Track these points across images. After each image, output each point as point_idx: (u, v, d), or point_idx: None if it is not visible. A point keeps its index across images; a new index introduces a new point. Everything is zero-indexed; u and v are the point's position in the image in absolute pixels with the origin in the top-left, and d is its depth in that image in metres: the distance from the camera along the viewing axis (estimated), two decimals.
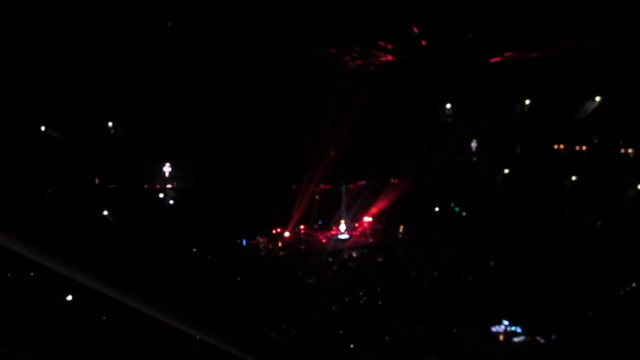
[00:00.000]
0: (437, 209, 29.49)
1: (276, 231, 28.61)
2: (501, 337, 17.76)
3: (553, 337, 16.83)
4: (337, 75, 25.85)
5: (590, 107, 26.54)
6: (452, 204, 29.32)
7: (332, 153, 27.90)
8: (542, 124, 27.41)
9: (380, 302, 19.88)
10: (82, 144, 24.20)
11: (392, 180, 29.74)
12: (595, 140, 28.07)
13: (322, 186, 30.18)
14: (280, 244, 27.59)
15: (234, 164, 26.42)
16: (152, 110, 24.67)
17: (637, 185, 25.54)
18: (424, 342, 16.98)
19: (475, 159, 29.94)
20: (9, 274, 15.97)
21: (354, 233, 29.82)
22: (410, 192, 27.70)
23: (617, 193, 25.38)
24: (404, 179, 28.61)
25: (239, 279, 21.46)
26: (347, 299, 20.12)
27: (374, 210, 30.13)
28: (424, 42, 23.83)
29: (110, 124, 26.10)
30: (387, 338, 17.17)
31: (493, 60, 25.68)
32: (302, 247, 27.88)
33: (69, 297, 15.24)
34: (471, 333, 17.56)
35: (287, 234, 28.60)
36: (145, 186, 27.79)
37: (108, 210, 23.91)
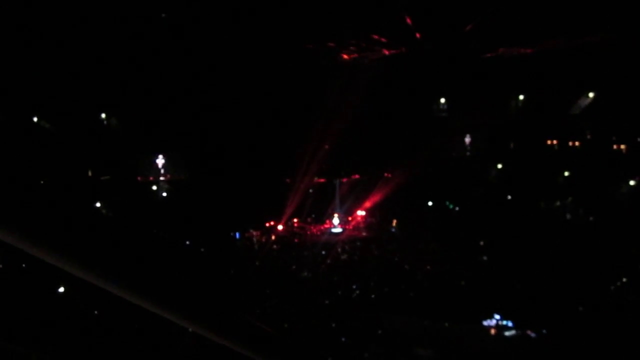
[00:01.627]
0: (430, 203, 29.58)
1: (269, 224, 28.62)
2: (492, 331, 17.89)
3: (544, 331, 16.96)
4: (332, 69, 25.80)
5: (583, 103, 26.64)
6: (446, 200, 29.42)
7: (326, 147, 27.90)
8: (535, 120, 27.50)
9: (373, 296, 19.95)
10: (75, 136, 24.07)
11: (385, 175, 29.79)
12: (589, 136, 28.19)
13: (316, 180, 30.19)
14: (273, 237, 27.60)
15: (228, 156, 26.37)
16: (146, 102, 24.56)
17: (629, 180, 25.71)
18: (416, 336, 17.07)
19: (468, 153, 30.01)
20: (0, 266, 15.91)
21: (347, 227, 29.87)
22: (403, 186, 27.75)
23: (609, 188, 25.53)
24: (398, 173, 28.65)
25: (232, 272, 21.48)
26: (340, 293, 20.18)
27: (367, 204, 30.17)
28: (418, 36, 23.81)
29: (103, 115, 25.97)
30: (379, 331, 17.25)
31: (487, 55, 25.70)
32: (296, 241, 27.90)
33: (61, 289, 15.22)
34: (463, 327, 17.68)
35: (280, 227, 28.62)
36: (139, 178, 27.70)
37: (101, 202, 23.82)
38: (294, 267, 23.09)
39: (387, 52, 26.11)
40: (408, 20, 22.34)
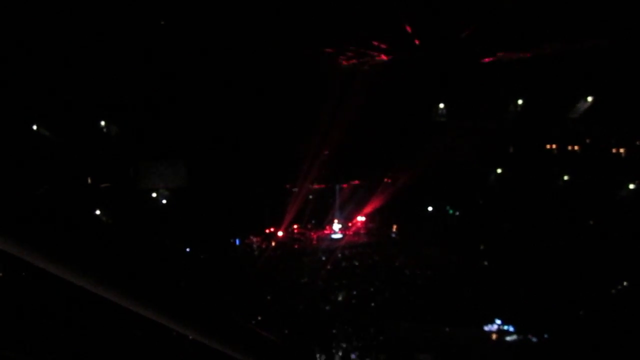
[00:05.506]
0: (430, 208, 29.57)
1: (270, 231, 28.59)
2: (494, 336, 17.84)
3: (545, 336, 16.92)
4: (331, 75, 25.83)
5: (582, 106, 26.66)
6: (446, 205, 29.41)
7: (326, 152, 27.91)
8: (534, 124, 27.51)
9: (373, 302, 19.91)
10: (75, 143, 24.07)
11: (385, 180, 29.79)
12: (588, 140, 28.20)
13: (315, 186, 30.19)
14: (273, 244, 27.56)
15: (228, 163, 26.37)
16: (145, 110, 24.58)
17: (628, 184, 25.70)
18: (417, 341, 17.03)
19: (468, 158, 30.01)
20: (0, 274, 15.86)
21: (347, 232, 29.84)
22: (403, 191, 27.74)
23: (609, 192, 25.52)
24: (398, 178, 28.65)
25: (232, 278, 21.44)
26: (340, 298, 20.14)
27: (367, 209, 30.16)
28: (417, 42, 23.86)
29: (102, 122, 25.97)
30: (380, 337, 17.20)
31: (486, 59, 25.75)
32: (296, 247, 27.87)
33: (62, 298, 15.15)
34: (464, 332, 17.64)
35: (280, 233, 28.58)
36: (139, 185, 27.66)
37: (101, 210, 23.79)
38: (294, 273, 23.05)
39: (386, 58, 26.15)
40: (407, 26, 22.40)
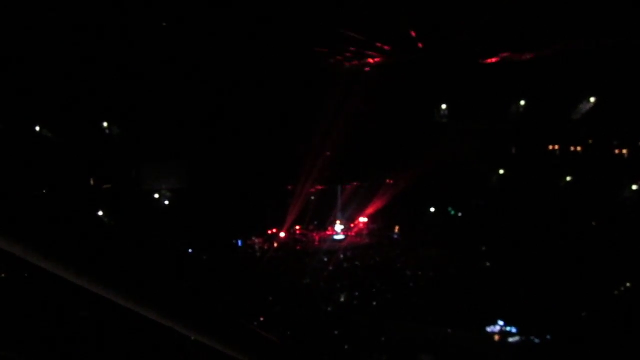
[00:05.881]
0: (432, 209, 29.54)
1: (272, 232, 28.60)
2: (496, 337, 17.81)
3: (548, 337, 16.88)
4: (332, 76, 25.82)
5: (585, 107, 26.60)
6: (448, 206, 29.39)
7: (328, 153, 27.90)
8: (537, 125, 27.47)
9: (375, 302, 19.90)
10: (77, 145, 24.11)
11: (387, 181, 29.78)
12: (590, 141, 28.14)
13: (317, 187, 30.19)
14: (275, 245, 27.57)
15: (230, 164, 26.39)
16: (148, 111, 24.60)
17: (631, 185, 25.65)
18: (419, 342, 17.01)
19: (470, 159, 29.98)
20: (2, 275, 15.88)
21: (349, 233, 29.84)
22: (405, 192, 27.73)
23: (612, 193, 25.47)
24: (400, 179, 28.63)
25: (234, 279, 21.45)
26: (342, 300, 20.13)
27: (369, 210, 30.16)
28: (419, 44, 23.84)
29: (105, 124, 26.01)
30: (382, 338, 17.19)
31: (488, 61, 25.71)
32: (298, 248, 27.87)
33: (63, 299, 15.16)
34: (466, 333, 17.61)
35: (282, 234, 28.59)
36: (141, 187, 27.70)
37: (103, 211, 23.84)
38: (296, 274, 23.06)
39: (387, 59, 26.13)
40: (408, 27, 22.39)
